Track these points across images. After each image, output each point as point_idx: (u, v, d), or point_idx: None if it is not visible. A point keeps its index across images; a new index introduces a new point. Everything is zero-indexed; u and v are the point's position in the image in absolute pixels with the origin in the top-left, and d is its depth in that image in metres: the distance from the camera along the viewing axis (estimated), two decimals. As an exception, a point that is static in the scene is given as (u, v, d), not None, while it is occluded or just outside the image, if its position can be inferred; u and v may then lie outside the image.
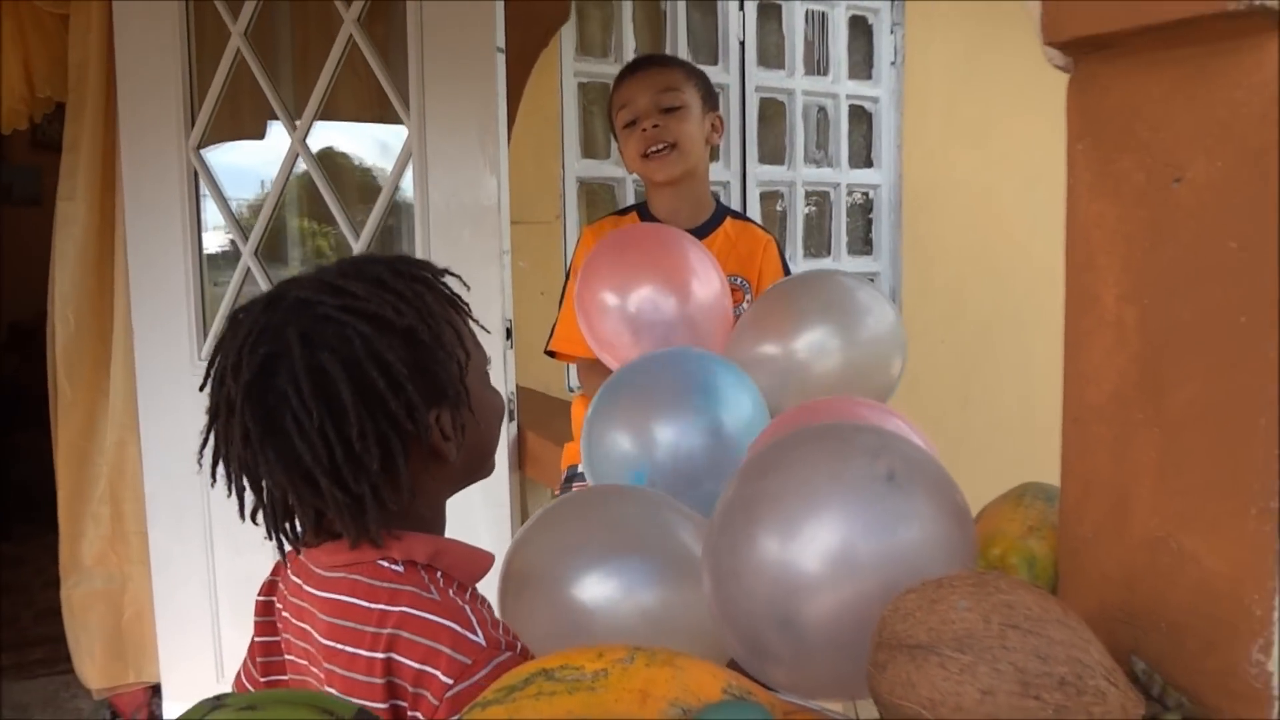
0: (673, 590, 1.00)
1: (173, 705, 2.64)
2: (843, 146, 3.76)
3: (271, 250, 2.56)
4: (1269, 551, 0.75)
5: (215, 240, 2.54)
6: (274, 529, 0.86)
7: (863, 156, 3.86)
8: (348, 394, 0.80)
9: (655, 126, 1.67)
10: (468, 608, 0.83)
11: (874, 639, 0.70)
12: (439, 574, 0.87)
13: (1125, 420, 0.84)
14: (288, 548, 0.94)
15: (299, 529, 0.87)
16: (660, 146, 1.67)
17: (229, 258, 2.52)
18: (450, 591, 0.85)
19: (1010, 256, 3.87)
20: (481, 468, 0.95)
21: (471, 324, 0.93)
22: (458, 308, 0.90)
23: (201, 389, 0.87)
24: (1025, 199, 3.66)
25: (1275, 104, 0.73)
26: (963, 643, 0.63)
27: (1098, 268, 0.86)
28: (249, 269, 2.43)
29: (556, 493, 1.83)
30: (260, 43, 2.41)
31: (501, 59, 2.19)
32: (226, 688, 2.46)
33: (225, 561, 2.53)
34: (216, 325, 2.46)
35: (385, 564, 0.86)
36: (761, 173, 3.58)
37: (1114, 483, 0.86)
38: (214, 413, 0.84)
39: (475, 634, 0.80)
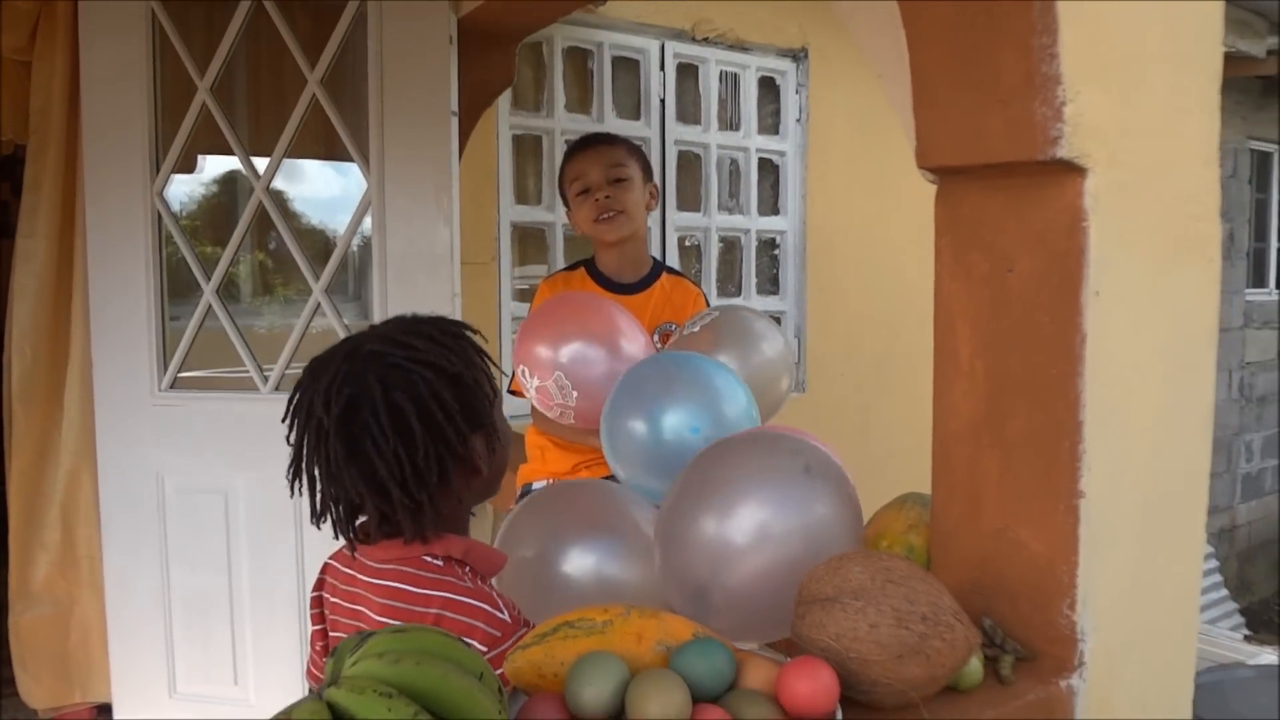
0: (632, 564, 1.26)
1: (124, 721, 2.76)
2: (752, 195, 4.11)
3: (231, 289, 2.74)
4: (1074, 536, 1.06)
5: (174, 276, 2.70)
6: (344, 529, 1.08)
7: (770, 205, 4.22)
8: (416, 425, 1.03)
9: (607, 197, 1.95)
10: (495, 593, 1.08)
11: (796, 598, 0.98)
12: (468, 568, 1.11)
13: (976, 443, 1.15)
14: (330, 556, 1.19)
15: (356, 529, 1.10)
16: (610, 214, 1.96)
17: (190, 292, 2.68)
18: (478, 581, 1.09)
19: (902, 296, 4.26)
20: (499, 481, 1.19)
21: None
22: (484, 355, 1.14)
23: (284, 420, 1.09)
24: (916, 244, 4.04)
25: (1073, 222, 1.04)
26: (857, 593, 0.91)
27: (956, 331, 1.17)
28: (210, 305, 2.61)
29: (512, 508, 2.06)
30: (221, 92, 2.60)
31: (455, 121, 2.44)
32: (179, 703, 2.60)
33: (180, 580, 2.67)
34: (177, 358, 2.62)
35: (429, 558, 1.09)
36: (679, 219, 3.89)
37: (969, 490, 1.16)
38: (302, 439, 1.07)
39: (502, 613, 1.04)
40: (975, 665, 1.01)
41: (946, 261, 1.19)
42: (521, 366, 1.76)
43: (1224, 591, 6.59)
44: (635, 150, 2.04)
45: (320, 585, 1.20)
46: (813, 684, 0.84)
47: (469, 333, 1.14)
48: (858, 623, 0.90)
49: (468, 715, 0.68)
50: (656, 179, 3.80)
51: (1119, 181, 1.04)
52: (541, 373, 1.71)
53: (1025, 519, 1.10)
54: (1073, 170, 1.02)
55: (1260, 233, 6.97)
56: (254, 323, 2.86)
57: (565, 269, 2.16)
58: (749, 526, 1.06)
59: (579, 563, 1.23)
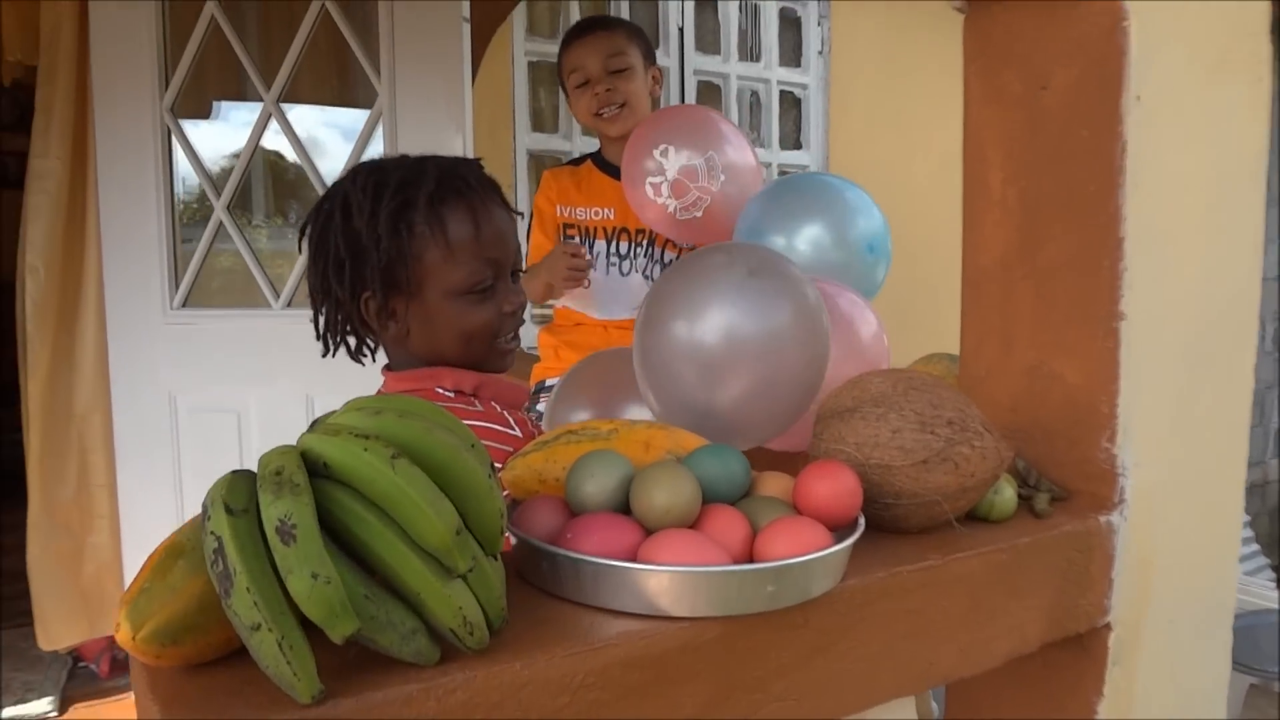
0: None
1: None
2: (774, 129, 4.02)
3: (243, 205, 2.70)
4: (1113, 362, 0.99)
5: (187, 197, 2.67)
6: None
7: (793, 139, 4.13)
8: (310, 245, 1.10)
9: (607, 90, 1.88)
10: (509, 415, 1.05)
11: (815, 419, 0.91)
12: (490, 400, 1.09)
13: (1008, 276, 1.08)
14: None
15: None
16: (611, 108, 1.89)
17: (202, 213, 2.65)
18: (497, 407, 1.07)
19: (926, 233, 4.17)
20: (453, 359, 1.11)
21: (465, 247, 1.08)
22: (443, 227, 1.06)
23: None
24: (940, 179, 3.95)
25: (1113, 23, 0.97)
26: (878, 401, 0.85)
27: (987, 160, 1.10)
28: (221, 223, 2.57)
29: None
30: (232, 7, 2.55)
31: (467, 28, 2.37)
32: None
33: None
34: (189, 275, 2.58)
35: (440, 390, 1.09)
36: (699, 152, 3.81)
37: (1001, 328, 1.09)
38: None
39: (514, 430, 1.02)
40: (1009, 495, 0.95)
41: (976, 89, 1.11)
42: (662, 145, 1.72)
43: (1256, 547, 6.48)
44: (635, 34, 1.97)
45: None
46: (833, 484, 0.78)
47: (445, 195, 1.07)
48: (879, 429, 0.84)
49: (454, 471, 0.62)
50: (675, 110, 3.74)
51: (1164, -22, 0.96)
52: (693, 151, 1.70)
53: (1061, 350, 1.03)
54: (1113, -34, 0.95)
55: (1297, 180, 6.78)
56: (264, 247, 2.81)
57: (570, 162, 2.10)
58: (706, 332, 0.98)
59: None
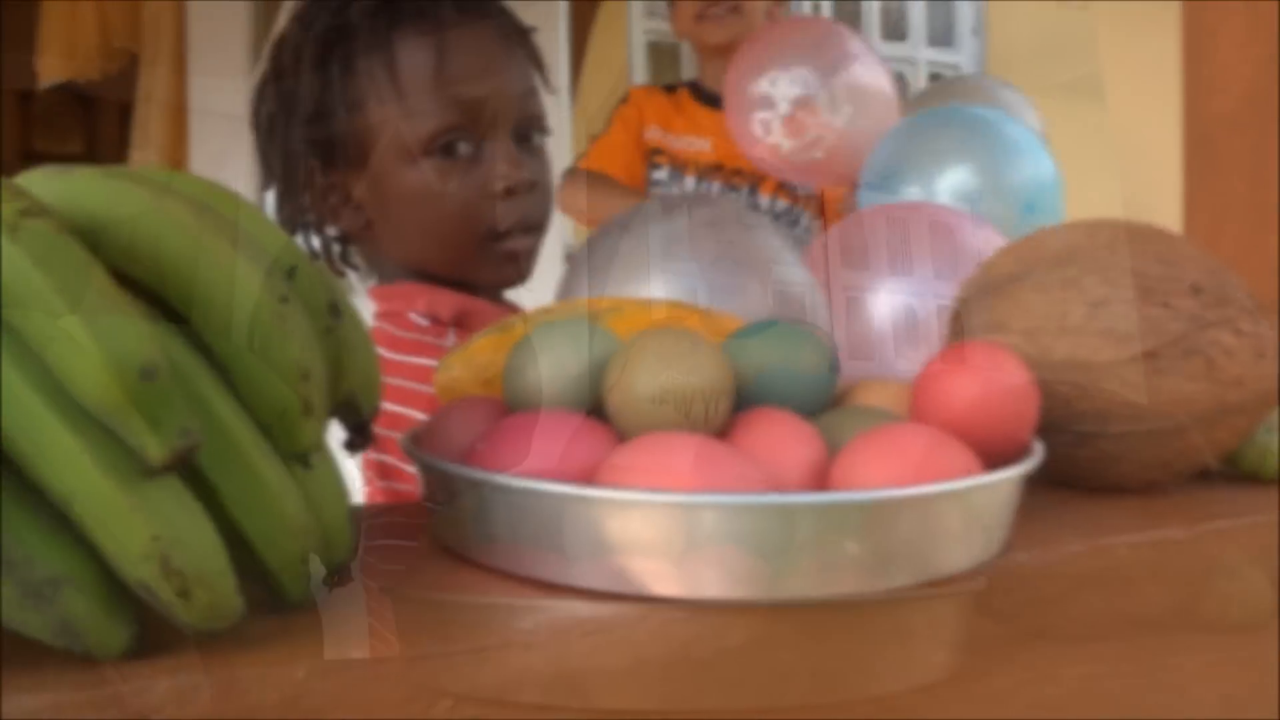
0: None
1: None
2: (919, 19, 3.65)
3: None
4: None
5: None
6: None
7: (943, 34, 3.74)
8: (254, 96, 0.83)
9: None
10: None
11: (958, 302, 0.56)
12: (460, 331, 0.81)
13: (1257, 118, 0.70)
14: None
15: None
16: (718, 11, 1.57)
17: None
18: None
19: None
20: (433, 266, 0.80)
21: (421, 83, 0.76)
22: (390, 54, 0.75)
23: None
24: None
25: None
26: (1062, 260, 0.49)
27: (1227, -49, 0.72)
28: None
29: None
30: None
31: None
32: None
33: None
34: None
35: (413, 316, 0.79)
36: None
37: (1250, 194, 0.71)
38: None
39: None
40: (1291, 436, 0.57)
41: None
42: (772, 72, 1.44)
43: None
44: None
45: None
46: (985, 380, 0.43)
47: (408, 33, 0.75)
48: (1067, 302, 0.48)
49: (194, 274, 0.32)
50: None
51: None
52: (811, 77, 1.43)
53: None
54: None
55: None
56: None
57: (664, 86, 1.79)
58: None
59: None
